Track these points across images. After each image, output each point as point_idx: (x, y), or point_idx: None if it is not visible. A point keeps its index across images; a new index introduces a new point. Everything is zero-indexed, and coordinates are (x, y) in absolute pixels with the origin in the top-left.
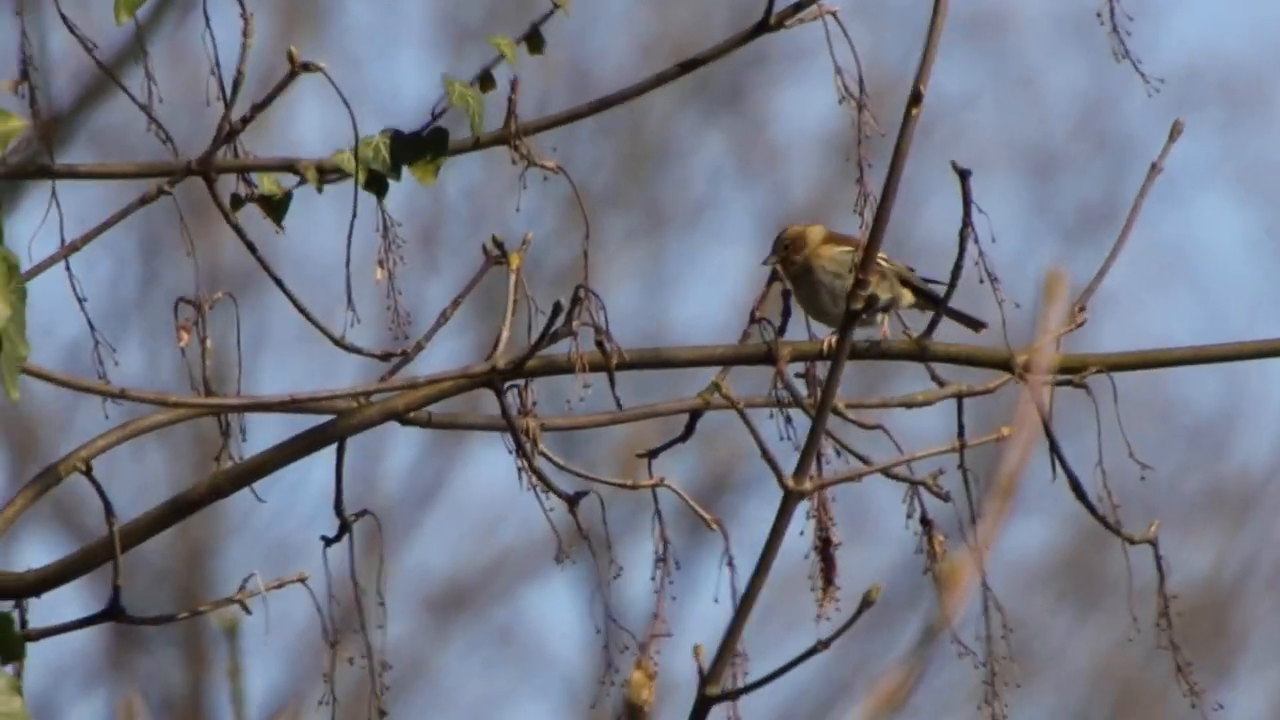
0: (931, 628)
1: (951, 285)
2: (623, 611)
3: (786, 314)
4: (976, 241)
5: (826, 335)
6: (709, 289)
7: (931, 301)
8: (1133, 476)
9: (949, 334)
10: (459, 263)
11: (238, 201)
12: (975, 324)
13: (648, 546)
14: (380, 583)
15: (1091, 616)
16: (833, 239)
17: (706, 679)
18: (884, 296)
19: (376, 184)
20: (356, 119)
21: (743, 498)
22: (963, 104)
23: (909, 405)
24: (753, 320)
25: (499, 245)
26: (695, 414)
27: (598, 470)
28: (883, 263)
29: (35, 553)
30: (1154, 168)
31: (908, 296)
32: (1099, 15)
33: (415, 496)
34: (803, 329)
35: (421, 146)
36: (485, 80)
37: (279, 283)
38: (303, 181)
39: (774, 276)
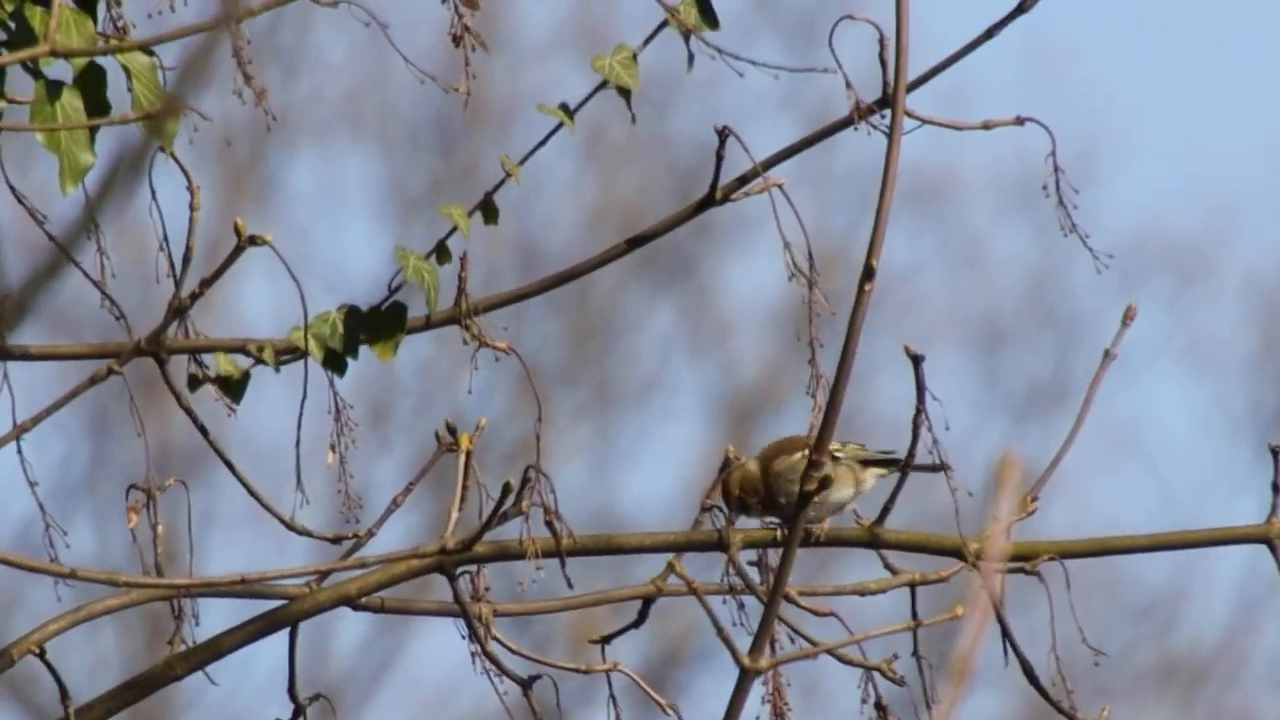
0: None
1: (902, 479)
2: None
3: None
4: (930, 429)
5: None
6: (658, 466)
7: (893, 465)
8: (1085, 652)
9: (900, 520)
10: (410, 441)
11: (195, 381)
12: (939, 469)
13: (602, 718)
14: None
15: None
16: (782, 448)
17: None
18: (847, 490)
19: (334, 363)
20: (305, 292)
21: (693, 673)
22: (909, 274)
23: (862, 593)
24: (703, 509)
25: (451, 431)
26: (649, 600)
27: (550, 645)
28: (839, 454)
29: None
30: (1107, 354)
31: (869, 480)
32: (1044, 188)
33: (367, 673)
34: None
35: (379, 323)
36: (441, 253)
37: (230, 466)
38: (258, 361)
39: (726, 465)
